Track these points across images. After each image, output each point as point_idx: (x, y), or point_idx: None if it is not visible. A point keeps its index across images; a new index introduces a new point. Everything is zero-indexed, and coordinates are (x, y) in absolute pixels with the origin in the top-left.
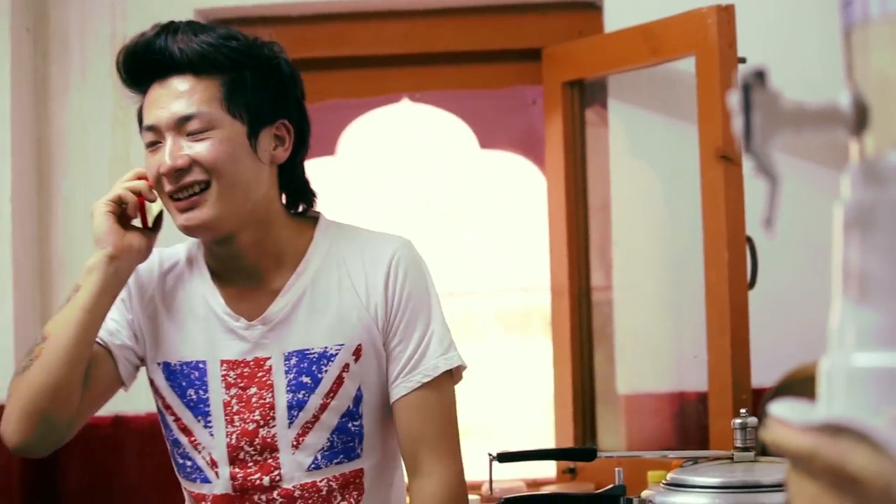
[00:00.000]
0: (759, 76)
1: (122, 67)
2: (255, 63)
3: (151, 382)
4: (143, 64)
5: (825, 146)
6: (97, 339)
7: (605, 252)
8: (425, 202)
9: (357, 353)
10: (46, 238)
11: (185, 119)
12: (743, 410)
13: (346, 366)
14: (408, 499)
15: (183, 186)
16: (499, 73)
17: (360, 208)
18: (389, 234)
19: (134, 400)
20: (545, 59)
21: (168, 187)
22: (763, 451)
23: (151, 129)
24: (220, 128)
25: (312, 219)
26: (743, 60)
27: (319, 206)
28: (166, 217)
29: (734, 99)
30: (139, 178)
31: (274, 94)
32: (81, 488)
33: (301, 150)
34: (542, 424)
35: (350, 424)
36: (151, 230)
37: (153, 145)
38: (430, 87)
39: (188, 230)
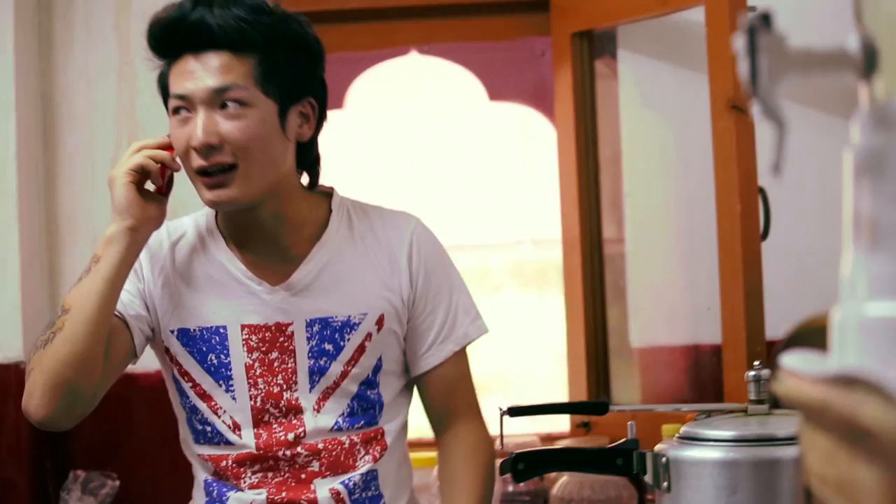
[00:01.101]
0: (765, 19)
1: (155, 38)
2: (287, 42)
3: (166, 351)
4: (178, 36)
5: (838, 95)
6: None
7: (616, 204)
8: (434, 155)
9: (380, 323)
10: (52, 194)
11: (221, 92)
12: (756, 363)
13: (369, 335)
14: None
15: (212, 165)
16: (507, 24)
17: (368, 161)
18: (400, 211)
19: (144, 358)
20: (554, 9)
21: (197, 162)
22: (776, 403)
23: (183, 98)
24: (254, 107)
25: (325, 193)
26: (753, 9)
27: (329, 162)
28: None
29: (739, 42)
30: (161, 146)
31: (303, 72)
32: (92, 447)
33: (320, 122)
34: (556, 379)
35: (368, 392)
36: (164, 195)
37: (179, 112)
38: (438, 39)
39: (215, 205)
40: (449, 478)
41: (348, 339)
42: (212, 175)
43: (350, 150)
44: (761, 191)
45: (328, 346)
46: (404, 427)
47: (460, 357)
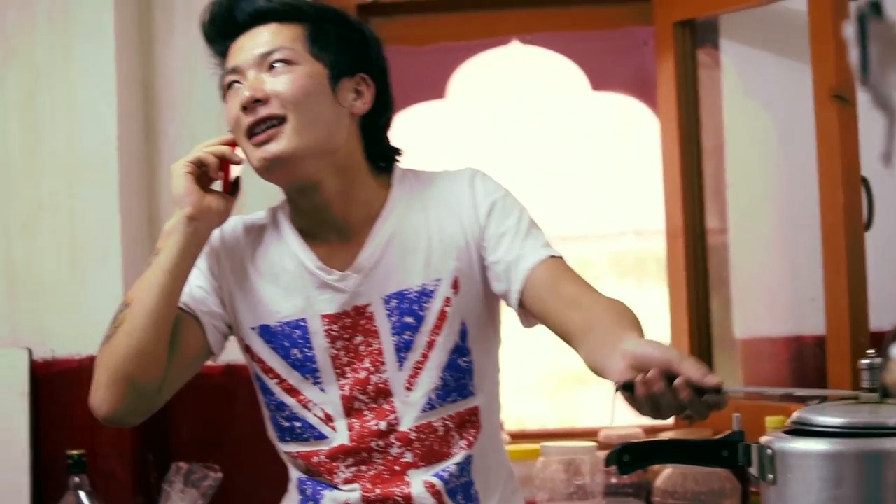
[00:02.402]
0: (875, 7)
1: (209, 28)
2: (337, 18)
3: (247, 349)
4: (229, 20)
5: None
6: (184, 306)
7: (719, 194)
8: (536, 145)
9: (455, 285)
10: (154, 184)
11: (268, 53)
12: (871, 351)
13: (447, 300)
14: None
15: (260, 119)
16: (609, 13)
17: (470, 151)
18: (459, 168)
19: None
20: None
21: (246, 120)
22: (886, 393)
23: (233, 70)
24: (301, 64)
25: (388, 170)
26: None
27: (429, 149)
28: (245, 184)
29: (849, 31)
30: (224, 143)
31: (356, 50)
32: (194, 439)
33: (384, 113)
34: None
35: (460, 360)
36: (230, 195)
37: (232, 86)
38: (540, 28)
39: (267, 164)
40: (601, 333)
41: (427, 308)
42: (260, 132)
43: (451, 139)
44: (864, 181)
45: (409, 319)
46: (496, 403)
47: (551, 265)
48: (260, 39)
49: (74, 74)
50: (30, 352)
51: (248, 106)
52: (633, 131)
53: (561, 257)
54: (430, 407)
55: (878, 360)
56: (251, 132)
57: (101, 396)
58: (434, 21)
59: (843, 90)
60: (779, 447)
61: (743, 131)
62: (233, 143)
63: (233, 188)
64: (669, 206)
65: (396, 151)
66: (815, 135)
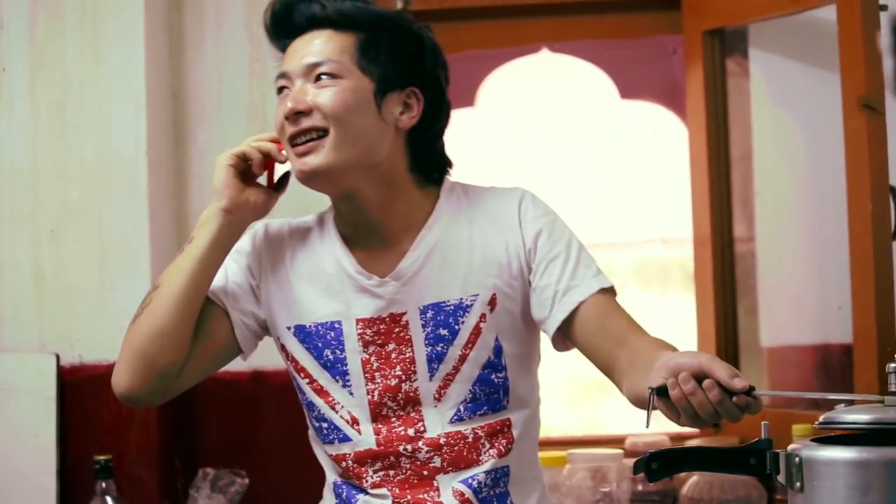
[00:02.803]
0: None
1: (269, 28)
2: (393, 27)
3: (283, 348)
4: (287, 23)
5: None
6: (215, 298)
7: (747, 203)
8: (565, 153)
9: (492, 302)
10: (183, 191)
11: (314, 65)
12: None
13: (483, 316)
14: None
15: (302, 131)
16: (638, 22)
17: (499, 159)
18: (509, 187)
19: (274, 355)
20: (685, 7)
21: (289, 130)
22: None
23: (283, 76)
24: (346, 78)
25: (437, 183)
26: (884, 8)
27: (459, 159)
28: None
29: (882, 42)
30: (271, 140)
31: (409, 62)
32: (221, 444)
33: (435, 124)
34: None
35: (493, 376)
36: (275, 190)
37: (282, 90)
38: (569, 37)
39: (305, 176)
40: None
41: (462, 322)
42: (301, 144)
43: (481, 147)
44: (893, 189)
45: (443, 331)
46: (534, 419)
47: (597, 302)
48: (311, 48)
49: (104, 81)
50: (57, 357)
51: (291, 116)
52: (662, 140)
53: (611, 288)
54: (459, 419)
55: None
56: (293, 142)
57: (120, 374)
58: (464, 29)
59: (872, 99)
60: (806, 455)
61: (771, 140)
62: (279, 142)
63: (278, 184)
64: (697, 214)
65: (447, 163)
66: (843, 144)
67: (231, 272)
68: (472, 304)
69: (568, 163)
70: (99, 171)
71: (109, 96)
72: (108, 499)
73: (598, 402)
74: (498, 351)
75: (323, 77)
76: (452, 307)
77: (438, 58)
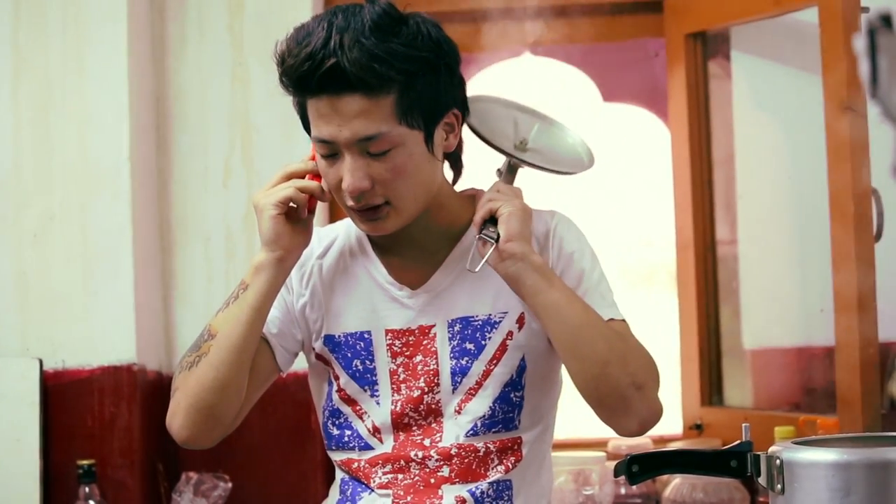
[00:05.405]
0: (886, 20)
1: (288, 80)
2: (424, 66)
3: (319, 357)
4: (311, 81)
5: None
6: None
7: (730, 205)
8: None
9: (520, 321)
10: (165, 196)
11: (366, 140)
12: None
13: (510, 333)
14: None
15: (368, 206)
16: (620, 25)
17: (481, 162)
18: (545, 209)
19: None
20: (667, 10)
21: (350, 203)
22: (892, 404)
23: (327, 142)
24: (400, 145)
25: (471, 195)
26: (866, 10)
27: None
28: None
29: (860, 44)
30: (309, 172)
31: (443, 88)
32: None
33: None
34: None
35: (512, 394)
36: (311, 213)
37: (330, 157)
38: (551, 40)
39: (373, 234)
40: None
41: (489, 338)
42: (366, 210)
43: (464, 150)
44: (874, 192)
45: (469, 346)
46: (546, 436)
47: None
48: (349, 112)
49: (87, 86)
50: (40, 362)
51: (352, 194)
52: (644, 142)
53: (623, 321)
54: (474, 433)
55: None
56: (356, 209)
57: (179, 423)
58: (446, 32)
59: (853, 102)
60: (787, 457)
61: (753, 142)
62: (318, 175)
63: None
64: (680, 216)
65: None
66: (825, 146)
67: None
68: (500, 321)
69: None
70: (82, 175)
71: (92, 101)
72: (92, 503)
73: (580, 404)
74: (521, 370)
75: (375, 150)
76: (481, 322)
77: (458, 57)
